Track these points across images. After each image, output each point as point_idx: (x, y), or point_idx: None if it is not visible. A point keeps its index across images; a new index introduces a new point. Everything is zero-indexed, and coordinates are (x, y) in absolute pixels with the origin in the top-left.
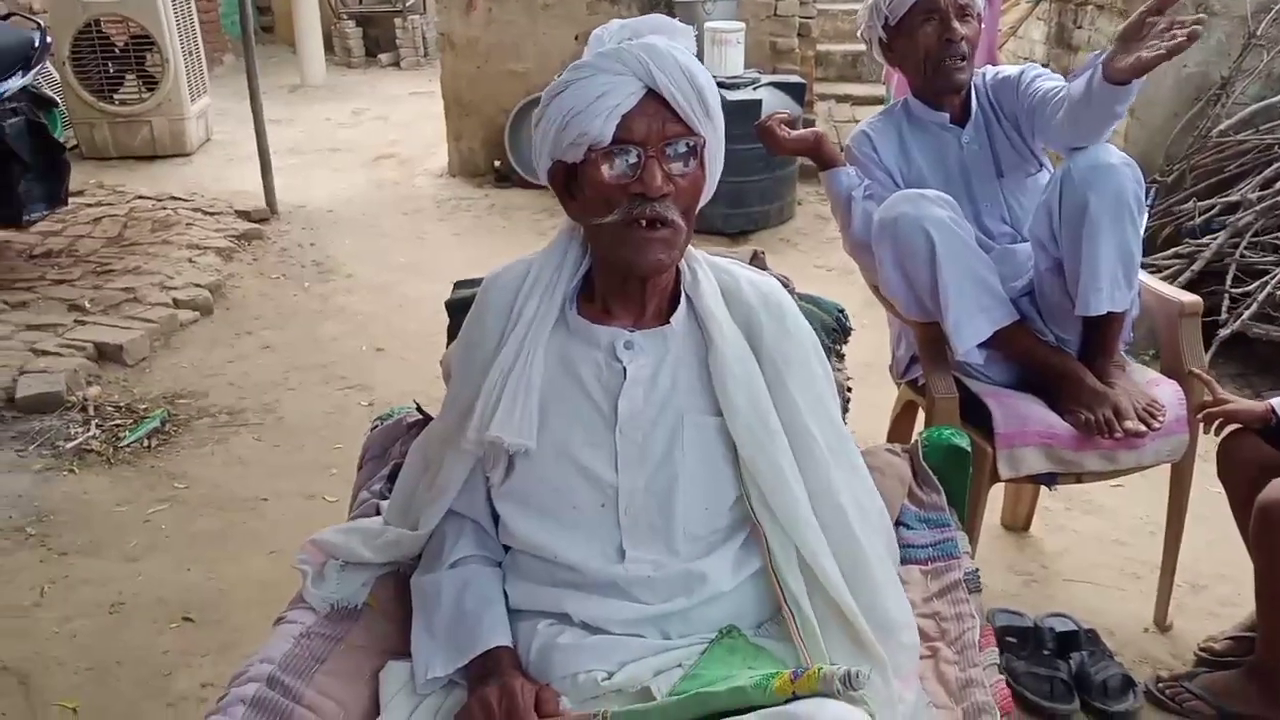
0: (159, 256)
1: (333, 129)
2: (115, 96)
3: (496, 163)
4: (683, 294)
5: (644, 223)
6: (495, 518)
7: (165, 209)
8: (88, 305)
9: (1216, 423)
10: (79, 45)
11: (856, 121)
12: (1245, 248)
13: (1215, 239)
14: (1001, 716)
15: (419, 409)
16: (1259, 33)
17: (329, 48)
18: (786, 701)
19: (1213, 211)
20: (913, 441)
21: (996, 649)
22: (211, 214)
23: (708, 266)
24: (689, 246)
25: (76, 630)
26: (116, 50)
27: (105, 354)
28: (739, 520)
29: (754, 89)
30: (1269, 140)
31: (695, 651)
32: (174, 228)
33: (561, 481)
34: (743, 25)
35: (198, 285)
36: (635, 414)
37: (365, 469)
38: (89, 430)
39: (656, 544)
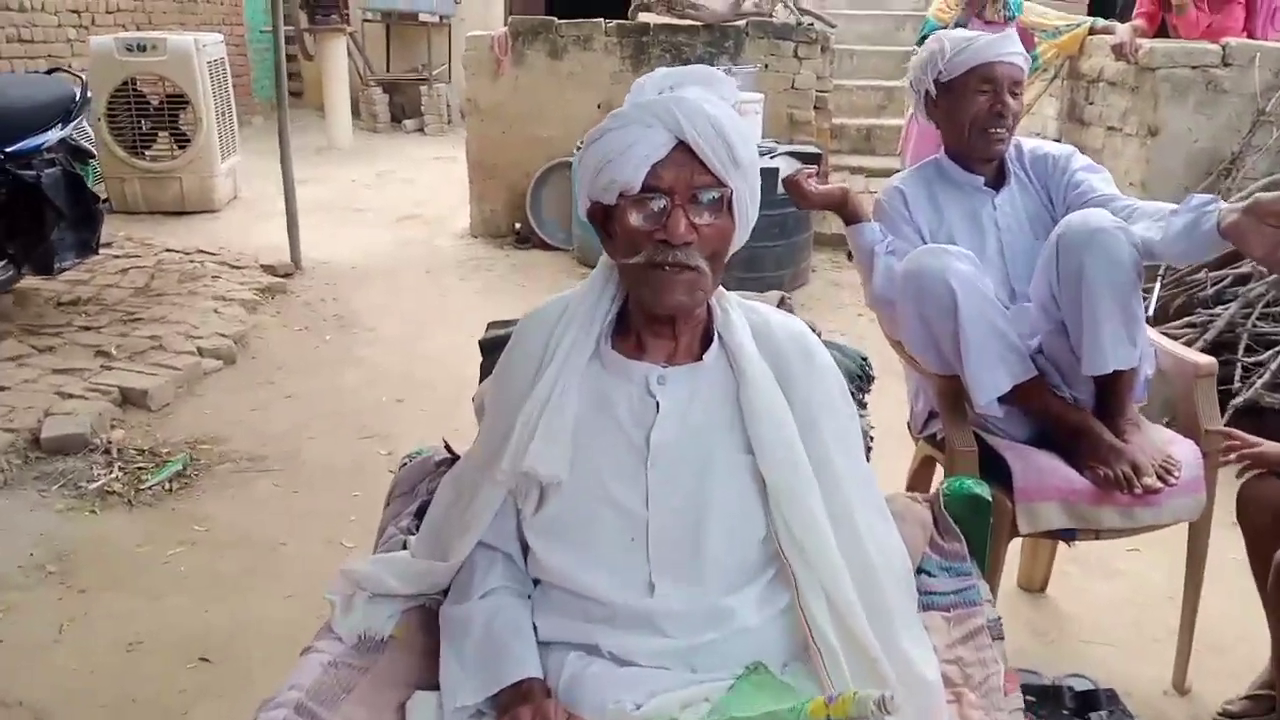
0: (185, 307)
1: (358, 189)
2: (147, 153)
3: (518, 225)
4: (715, 332)
5: (666, 267)
6: (524, 550)
7: (192, 261)
8: (114, 352)
9: (1244, 465)
10: (114, 102)
11: (872, 193)
12: (1257, 318)
13: (1227, 309)
14: None
15: (447, 447)
16: (1267, 110)
17: (356, 113)
18: None
19: (1224, 282)
20: (934, 491)
21: (1020, 694)
22: (237, 267)
23: (739, 307)
24: (720, 288)
25: (94, 667)
26: (151, 108)
27: (130, 399)
28: (767, 557)
29: (771, 157)
30: None
31: (722, 686)
32: (200, 280)
33: (592, 514)
34: (762, 96)
35: (222, 335)
36: (667, 447)
37: (393, 505)
38: (111, 472)
39: (684, 578)
